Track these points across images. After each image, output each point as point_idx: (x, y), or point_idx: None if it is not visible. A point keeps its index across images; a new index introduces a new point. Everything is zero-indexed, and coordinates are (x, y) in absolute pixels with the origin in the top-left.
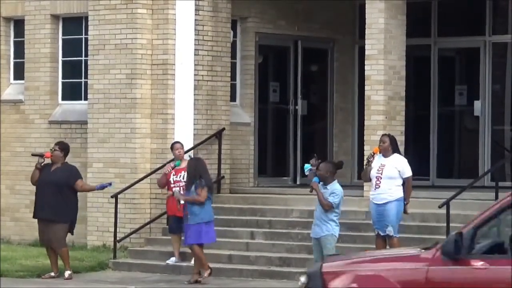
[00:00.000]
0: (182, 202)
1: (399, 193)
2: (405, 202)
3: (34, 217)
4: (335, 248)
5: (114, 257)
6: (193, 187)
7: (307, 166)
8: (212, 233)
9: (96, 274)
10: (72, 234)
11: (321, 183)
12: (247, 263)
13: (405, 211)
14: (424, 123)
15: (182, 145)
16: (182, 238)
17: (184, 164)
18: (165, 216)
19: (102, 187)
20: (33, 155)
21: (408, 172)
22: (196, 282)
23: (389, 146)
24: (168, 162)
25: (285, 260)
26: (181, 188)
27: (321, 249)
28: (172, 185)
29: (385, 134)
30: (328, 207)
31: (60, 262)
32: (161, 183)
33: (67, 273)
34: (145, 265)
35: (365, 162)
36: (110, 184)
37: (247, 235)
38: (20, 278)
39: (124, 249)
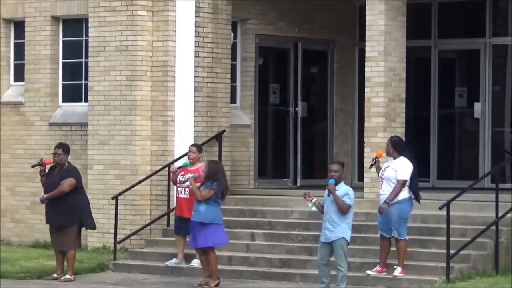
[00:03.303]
0: (188, 184)
1: (401, 195)
2: (386, 201)
3: (46, 222)
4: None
5: (114, 258)
6: (203, 187)
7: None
8: (223, 235)
9: (96, 275)
10: (95, 228)
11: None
12: (247, 264)
13: (379, 209)
14: (424, 125)
15: (198, 148)
16: (187, 239)
17: (195, 167)
18: (165, 217)
19: None
20: (33, 166)
21: (401, 175)
22: (206, 284)
23: (390, 149)
24: (177, 160)
25: (285, 261)
26: (184, 189)
27: (330, 253)
28: (177, 185)
29: (391, 137)
30: (347, 210)
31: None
32: (172, 181)
33: (65, 276)
34: (145, 266)
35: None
36: None
37: (247, 236)
38: (20, 279)
39: (124, 251)
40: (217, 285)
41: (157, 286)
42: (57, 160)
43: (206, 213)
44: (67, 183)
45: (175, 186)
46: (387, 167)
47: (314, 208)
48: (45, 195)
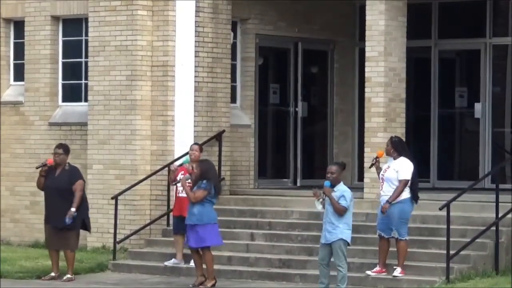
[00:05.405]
0: (178, 178)
1: (403, 194)
2: (388, 201)
3: (46, 223)
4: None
5: (114, 258)
6: (196, 188)
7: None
8: (218, 235)
9: (95, 275)
10: (90, 231)
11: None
12: (247, 264)
13: (381, 209)
14: (424, 125)
15: (200, 147)
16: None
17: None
18: (165, 217)
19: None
20: (37, 168)
21: (402, 174)
22: (201, 284)
23: (391, 149)
24: (177, 159)
25: (285, 261)
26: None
27: (330, 254)
28: (177, 183)
29: (391, 137)
30: (343, 212)
31: (61, 264)
32: (170, 180)
33: (67, 276)
34: (145, 266)
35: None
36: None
37: (247, 236)
38: (20, 279)
39: (124, 251)
40: (213, 285)
41: (157, 286)
42: (57, 160)
43: (200, 214)
44: (80, 186)
45: (175, 185)
46: (387, 168)
47: (320, 207)
48: (73, 209)
